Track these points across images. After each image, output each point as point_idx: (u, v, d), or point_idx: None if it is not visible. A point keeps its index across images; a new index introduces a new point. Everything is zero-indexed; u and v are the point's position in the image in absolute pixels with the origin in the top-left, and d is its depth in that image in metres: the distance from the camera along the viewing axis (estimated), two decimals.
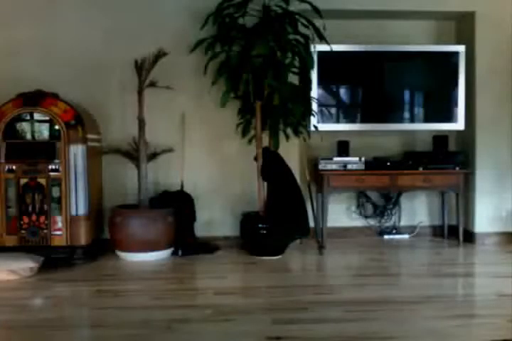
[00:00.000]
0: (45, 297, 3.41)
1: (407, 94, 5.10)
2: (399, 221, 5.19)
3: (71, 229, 4.13)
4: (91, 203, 4.24)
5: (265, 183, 4.51)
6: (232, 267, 4.15)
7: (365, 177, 4.67)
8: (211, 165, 4.80)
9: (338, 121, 5.03)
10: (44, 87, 4.22)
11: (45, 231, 4.12)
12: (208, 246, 4.57)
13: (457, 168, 4.73)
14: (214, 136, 4.79)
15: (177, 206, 4.46)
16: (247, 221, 4.52)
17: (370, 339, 2.68)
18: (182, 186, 4.66)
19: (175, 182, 4.68)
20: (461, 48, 4.89)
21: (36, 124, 4.12)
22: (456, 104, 4.89)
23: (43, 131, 4.12)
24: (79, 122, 4.14)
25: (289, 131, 4.59)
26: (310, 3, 4.29)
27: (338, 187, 4.72)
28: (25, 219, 4.11)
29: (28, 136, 4.12)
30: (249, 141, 4.61)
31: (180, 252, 4.40)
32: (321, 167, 4.69)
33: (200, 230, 4.69)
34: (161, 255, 4.31)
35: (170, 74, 4.57)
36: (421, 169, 4.70)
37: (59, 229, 4.13)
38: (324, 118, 4.90)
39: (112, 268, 4.07)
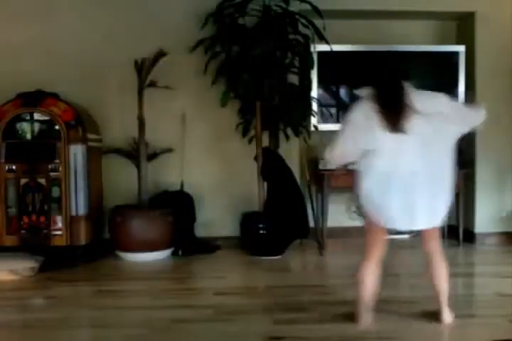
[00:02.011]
0: (45, 297, 3.41)
1: None
2: None
3: (71, 229, 4.13)
4: (91, 203, 4.24)
5: (265, 183, 4.51)
6: (232, 267, 4.15)
7: None
8: (211, 165, 4.79)
9: (338, 121, 5.02)
10: (44, 87, 4.22)
11: (45, 231, 4.12)
12: (208, 246, 4.57)
13: (457, 168, 4.72)
14: (214, 136, 4.79)
15: (177, 206, 4.46)
16: (247, 221, 4.52)
17: (370, 339, 2.68)
18: (182, 186, 4.66)
19: (175, 182, 4.68)
20: (461, 48, 4.89)
21: (36, 124, 4.12)
22: None
23: (43, 131, 4.12)
24: (79, 122, 4.15)
25: (289, 131, 4.59)
26: (310, 3, 4.29)
27: (338, 187, 4.72)
28: (25, 219, 4.11)
29: (28, 136, 4.12)
30: (249, 141, 4.61)
31: (180, 252, 4.40)
32: (321, 167, 4.68)
33: (200, 230, 4.68)
34: (161, 255, 4.31)
35: (170, 74, 4.56)
36: None
37: (59, 229, 4.12)
38: (324, 118, 4.90)
39: (112, 268, 4.07)
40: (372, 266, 2.77)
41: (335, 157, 2.75)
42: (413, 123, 2.50)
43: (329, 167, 2.63)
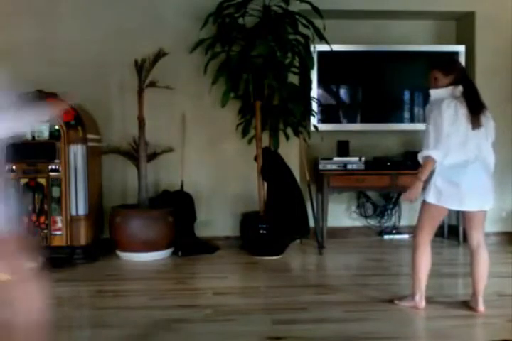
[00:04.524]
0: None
1: (407, 94, 5.10)
2: (399, 221, 5.19)
3: (71, 229, 4.13)
4: (91, 203, 4.24)
5: (265, 183, 4.51)
6: (232, 267, 4.15)
7: (365, 177, 4.67)
8: (211, 165, 4.80)
9: (338, 121, 5.03)
10: (44, 87, 4.21)
11: (45, 231, 4.12)
12: (208, 246, 4.57)
13: None
14: (214, 136, 4.79)
15: (177, 206, 4.46)
16: (247, 221, 4.52)
17: (370, 339, 2.68)
18: (182, 186, 4.66)
19: (175, 182, 4.68)
20: (461, 48, 4.89)
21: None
22: None
23: (43, 131, 4.12)
24: (79, 122, 4.15)
25: (289, 131, 4.59)
26: (310, 3, 4.29)
27: (338, 187, 4.72)
28: (25, 219, 4.11)
29: (28, 136, 4.12)
30: (249, 141, 4.61)
31: (180, 252, 4.40)
32: (321, 167, 4.69)
33: (200, 230, 4.69)
34: (161, 255, 4.31)
35: (170, 74, 4.57)
36: None
37: (59, 229, 4.13)
38: (324, 118, 4.90)
39: (112, 268, 4.07)
40: (427, 247, 3.07)
41: (438, 156, 2.90)
42: (484, 120, 3.01)
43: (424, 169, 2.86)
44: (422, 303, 3.06)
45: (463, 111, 2.89)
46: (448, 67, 3.04)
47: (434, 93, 3.00)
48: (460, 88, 2.94)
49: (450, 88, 2.94)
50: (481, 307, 3.00)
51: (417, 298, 3.07)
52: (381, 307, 3.10)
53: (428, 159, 2.91)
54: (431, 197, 2.97)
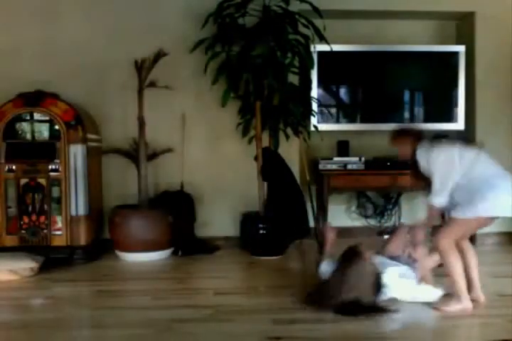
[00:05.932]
0: (45, 297, 3.41)
1: (407, 94, 5.10)
2: (399, 221, 5.19)
3: (71, 229, 4.13)
4: (91, 203, 4.24)
5: (265, 183, 4.51)
6: (232, 267, 4.15)
7: (365, 177, 4.67)
8: (211, 165, 4.79)
9: (338, 121, 5.03)
10: (44, 87, 4.22)
11: (45, 231, 4.12)
12: (207, 246, 4.57)
13: None
14: (214, 136, 4.79)
15: (177, 206, 4.46)
16: (247, 221, 4.52)
17: (370, 339, 2.68)
18: (182, 186, 4.66)
19: (175, 182, 4.68)
20: (461, 48, 4.89)
21: (36, 124, 4.12)
22: (456, 104, 4.89)
23: (43, 131, 4.12)
24: (79, 122, 4.15)
25: (289, 131, 4.59)
26: (310, 3, 4.29)
27: (338, 187, 4.72)
28: (25, 219, 4.11)
29: (28, 136, 4.12)
30: (249, 141, 4.61)
31: (180, 252, 4.40)
32: (321, 167, 4.68)
33: (200, 230, 4.69)
34: (161, 255, 4.31)
35: (170, 74, 4.56)
36: None
37: (59, 229, 4.13)
38: (324, 118, 4.90)
39: (112, 268, 4.07)
40: (455, 250, 3.10)
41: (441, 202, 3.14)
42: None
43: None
44: (470, 305, 3.00)
45: (459, 148, 3.08)
46: (396, 134, 3.29)
47: (420, 151, 3.14)
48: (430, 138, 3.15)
49: (424, 143, 3.13)
50: (481, 295, 3.11)
51: (463, 300, 2.99)
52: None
53: (432, 207, 3.15)
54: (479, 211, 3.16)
